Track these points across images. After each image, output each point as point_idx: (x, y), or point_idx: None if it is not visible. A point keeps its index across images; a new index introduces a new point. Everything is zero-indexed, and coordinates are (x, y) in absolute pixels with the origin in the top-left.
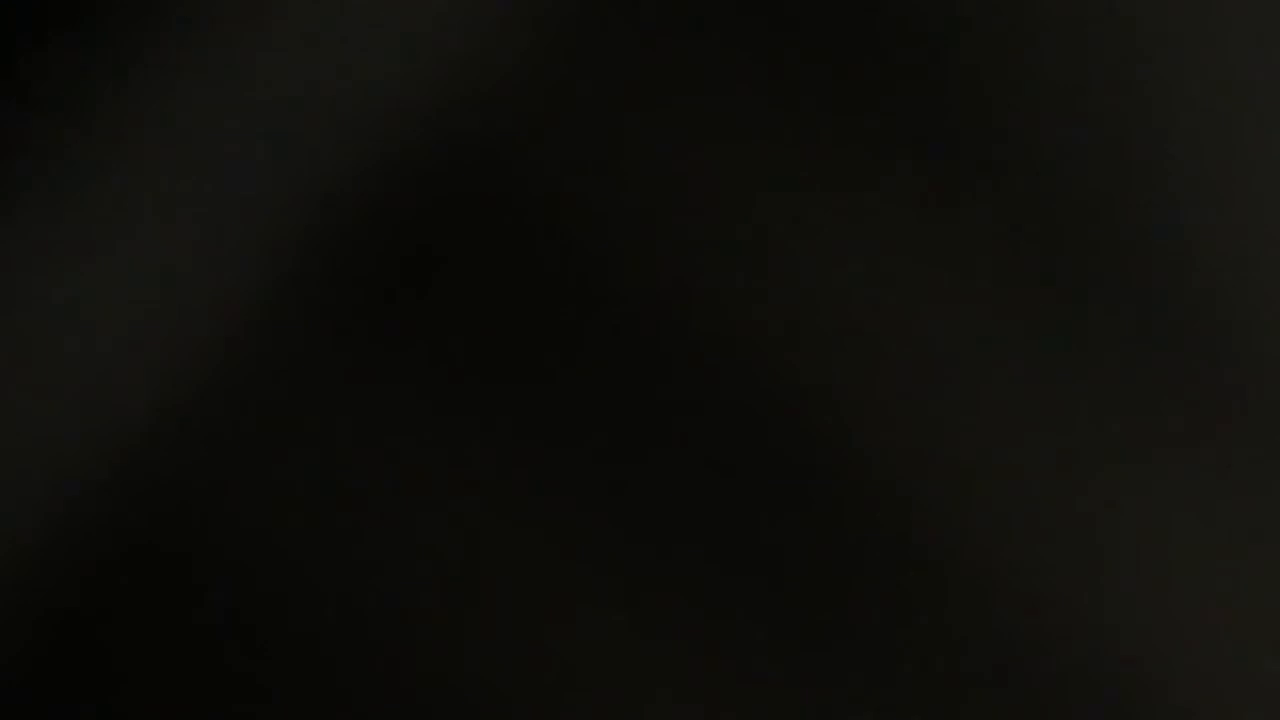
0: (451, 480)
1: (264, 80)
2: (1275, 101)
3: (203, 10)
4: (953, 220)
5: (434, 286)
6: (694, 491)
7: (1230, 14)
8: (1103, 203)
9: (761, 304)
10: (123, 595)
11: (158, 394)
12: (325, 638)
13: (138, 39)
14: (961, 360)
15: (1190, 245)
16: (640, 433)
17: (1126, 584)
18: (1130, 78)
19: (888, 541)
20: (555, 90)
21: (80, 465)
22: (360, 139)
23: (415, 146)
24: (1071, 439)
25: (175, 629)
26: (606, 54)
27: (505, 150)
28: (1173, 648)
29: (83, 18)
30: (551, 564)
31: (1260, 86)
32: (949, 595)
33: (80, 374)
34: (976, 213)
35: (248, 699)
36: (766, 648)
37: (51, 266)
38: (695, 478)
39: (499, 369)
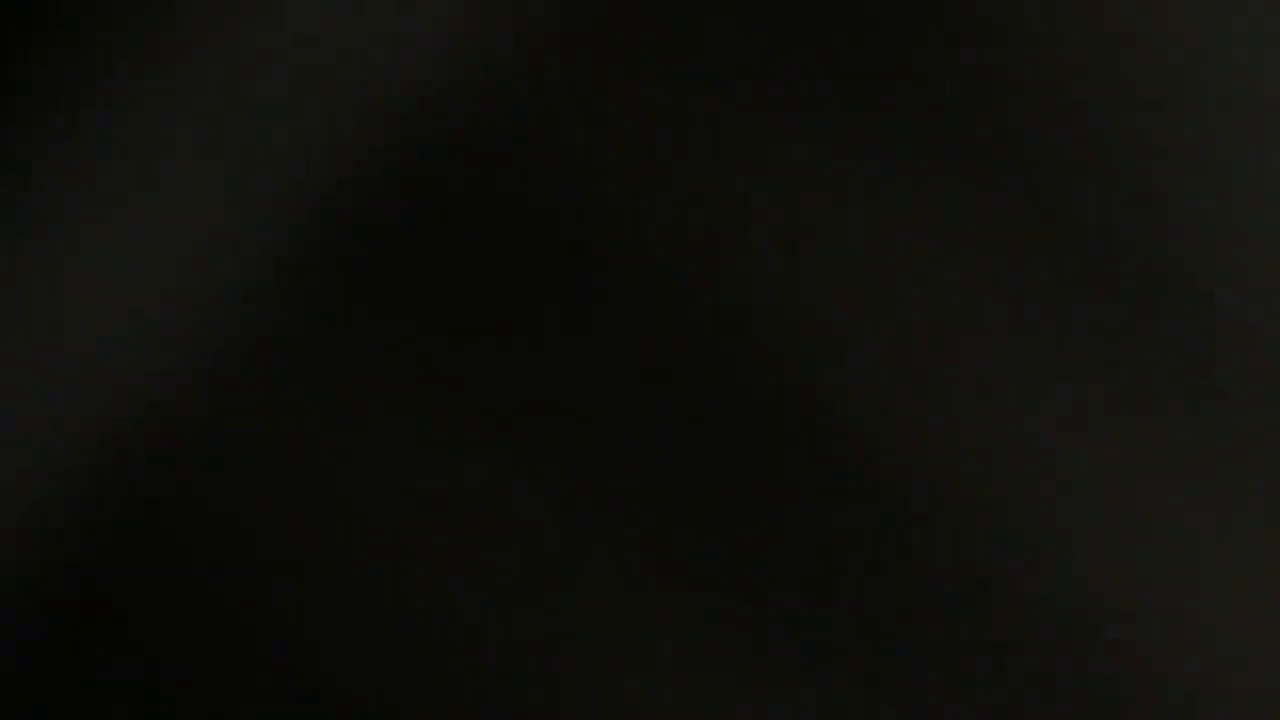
0: (451, 453)
1: (258, 66)
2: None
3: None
4: (952, 191)
5: (434, 263)
6: (693, 463)
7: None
8: (1105, 181)
9: (762, 275)
10: (118, 573)
11: (154, 373)
12: (323, 613)
13: (136, 27)
14: (962, 332)
15: (1192, 221)
16: (637, 404)
17: (1125, 556)
18: (1137, 60)
19: (887, 517)
20: (553, 63)
21: (76, 445)
22: (354, 116)
23: (410, 120)
24: (1070, 412)
25: (171, 608)
26: (607, 27)
27: (502, 122)
28: (1175, 628)
29: (82, 9)
30: (552, 537)
31: (1267, 67)
32: (947, 567)
33: (77, 355)
34: (979, 190)
35: (247, 673)
36: (764, 616)
37: (52, 246)
38: (694, 449)
39: (496, 343)
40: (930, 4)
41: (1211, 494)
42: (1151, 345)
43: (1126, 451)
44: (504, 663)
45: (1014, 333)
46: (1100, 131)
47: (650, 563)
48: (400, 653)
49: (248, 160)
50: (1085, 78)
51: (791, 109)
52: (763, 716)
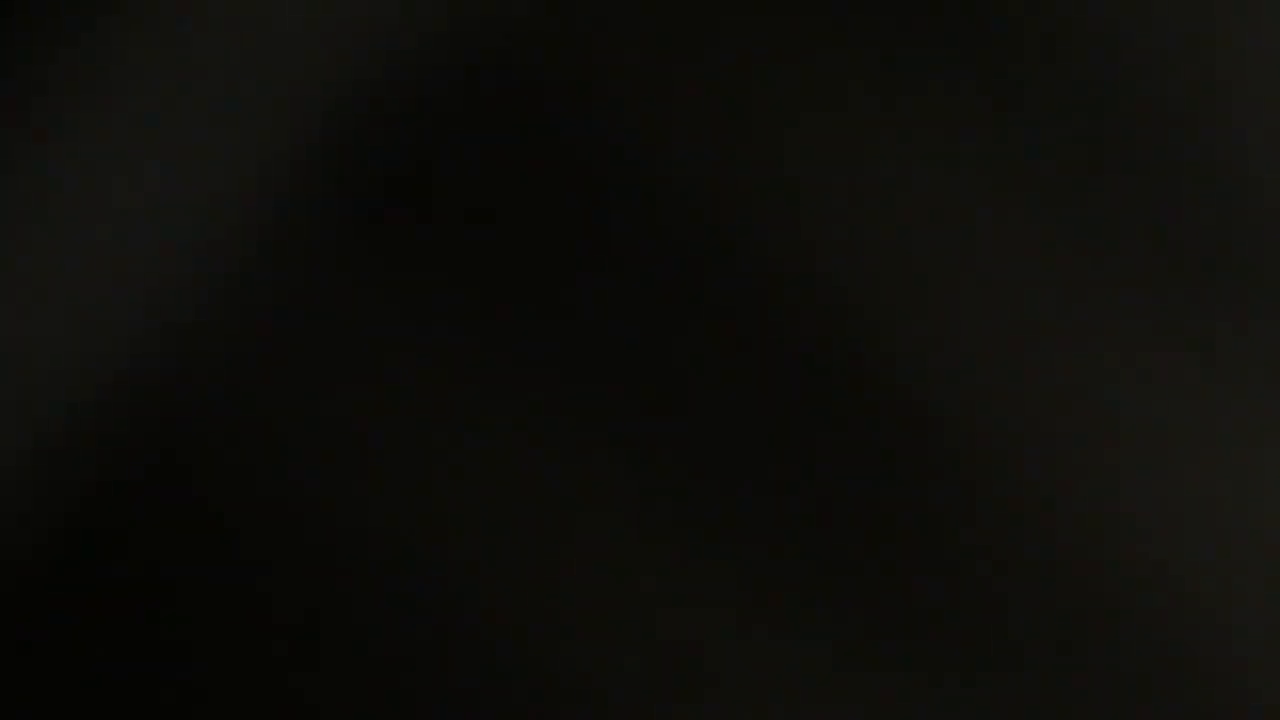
0: (470, 391)
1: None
2: None
3: None
4: (994, 132)
5: (458, 201)
6: (721, 410)
7: None
8: (1149, 105)
9: (792, 211)
10: (130, 505)
11: (173, 304)
12: (337, 547)
13: None
14: (996, 268)
15: (1236, 138)
16: (668, 347)
17: (1153, 490)
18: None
19: (919, 455)
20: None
21: (88, 375)
22: (372, 61)
23: (430, 61)
24: (1104, 344)
25: (184, 541)
26: None
27: (529, 55)
28: (1206, 558)
29: None
30: (575, 479)
31: None
32: (977, 507)
33: (87, 284)
34: (1018, 118)
35: (257, 612)
36: (792, 563)
37: (58, 176)
38: (723, 395)
39: (521, 283)
40: None
41: (1248, 411)
42: (1221, 293)
43: (1188, 402)
44: (527, 610)
45: (1077, 291)
46: (1158, 71)
47: (685, 520)
48: (423, 609)
49: (270, 78)
50: (1138, 22)
51: (836, 51)
52: (802, 692)
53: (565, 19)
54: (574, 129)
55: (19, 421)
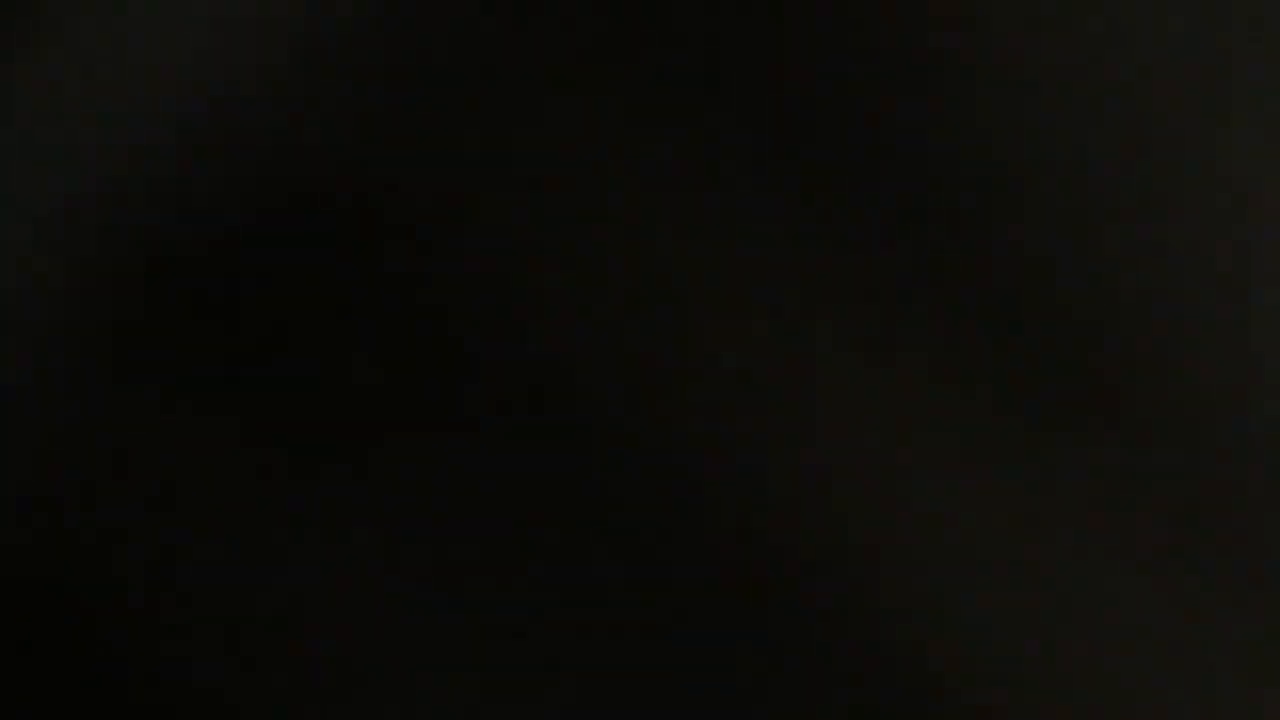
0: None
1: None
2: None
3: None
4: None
5: (275, 346)
6: (569, 557)
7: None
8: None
9: (641, 355)
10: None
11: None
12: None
13: None
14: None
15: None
16: (501, 493)
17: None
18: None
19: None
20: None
21: None
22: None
23: (246, 182)
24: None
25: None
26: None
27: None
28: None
29: None
30: (409, 607)
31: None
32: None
33: None
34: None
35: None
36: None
37: None
38: (570, 546)
39: (339, 425)
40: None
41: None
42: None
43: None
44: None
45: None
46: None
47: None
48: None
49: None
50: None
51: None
52: None
53: (373, 145)
54: (421, 269)
55: None
